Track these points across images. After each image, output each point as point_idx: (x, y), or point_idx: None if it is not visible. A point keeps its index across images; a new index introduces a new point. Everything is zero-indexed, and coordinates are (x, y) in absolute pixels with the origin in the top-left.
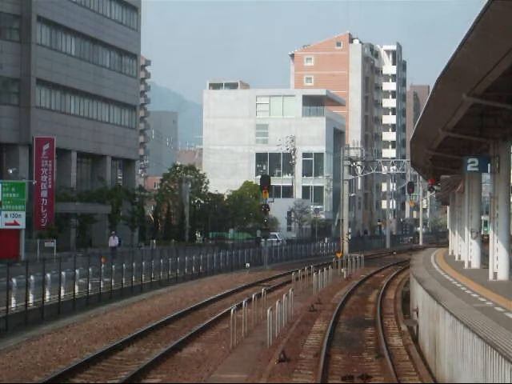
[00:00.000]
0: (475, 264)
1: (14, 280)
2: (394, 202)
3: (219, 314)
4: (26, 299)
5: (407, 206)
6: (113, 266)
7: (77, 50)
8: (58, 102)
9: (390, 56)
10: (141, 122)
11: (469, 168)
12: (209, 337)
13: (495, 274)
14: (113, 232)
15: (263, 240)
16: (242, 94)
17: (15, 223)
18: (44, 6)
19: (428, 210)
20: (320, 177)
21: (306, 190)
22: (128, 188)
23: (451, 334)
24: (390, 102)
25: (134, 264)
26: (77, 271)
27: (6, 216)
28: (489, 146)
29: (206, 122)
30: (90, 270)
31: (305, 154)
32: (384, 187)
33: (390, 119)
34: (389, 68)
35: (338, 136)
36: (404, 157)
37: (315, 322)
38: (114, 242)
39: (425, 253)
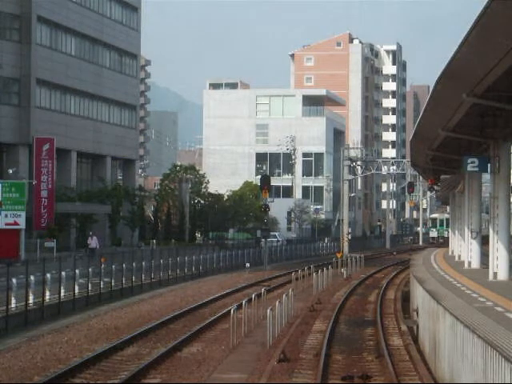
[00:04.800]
0: (475, 264)
1: (14, 280)
2: (394, 201)
3: (219, 314)
4: (26, 299)
5: (407, 205)
6: (113, 266)
7: (77, 50)
8: (58, 101)
9: (390, 56)
10: (141, 122)
11: (469, 168)
12: (209, 337)
13: (495, 274)
14: (90, 233)
15: (263, 240)
16: (242, 94)
17: (15, 223)
18: (44, 6)
19: (428, 209)
20: (320, 177)
21: (306, 190)
22: (128, 188)
23: (451, 333)
24: (390, 102)
25: (133, 264)
26: (77, 271)
27: (6, 216)
28: (489, 146)
29: (206, 122)
30: (90, 270)
31: (305, 154)
32: (384, 187)
33: (390, 119)
34: (389, 68)
35: (338, 136)
36: (404, 157)
37: (315, 322)
38: (93, 243)
39: (425, 253)
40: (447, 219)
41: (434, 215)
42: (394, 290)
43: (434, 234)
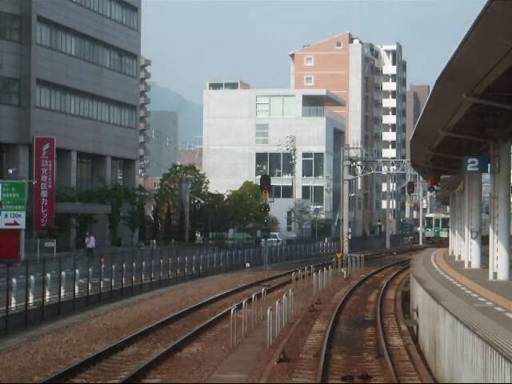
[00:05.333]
0: (475, 264)
1: (14, 280)
2: (394, 201)
3: (219, 314)
4: (26, 299)
5: (407, 205)
6: (113, 266)
7: (77, 50)
8: (58, 102)
9: (390, 56)
10: (141, 122)
11: (469, 168)
12: (209, 337)
13: (495, 274)
14: (87, 233)
15: (263, 240)
16: (242, 94)
17: (15, 223)
18: (44, 6)
19: (428, 209)
20: (320, 177)
21: (306, 190)
22: (128, 188)
23: (451, 333)
24: (390, 102)
25: (133, 264)
26: (77, 271)
27: (6, 216)
28: (489, 146)
29: (206, 122)
30: (90, 270)
31: (305, 154)
32: (384, 187)
33: (390, 119)
34: (389, 68)
35: (338, 136)
36: (404, 157)
37: (315, 322)
38: (90, 242)
39: (425, 253)
40: (443, 219)
41: (429, 215)
42: (394, 290)
43: (429, 233)
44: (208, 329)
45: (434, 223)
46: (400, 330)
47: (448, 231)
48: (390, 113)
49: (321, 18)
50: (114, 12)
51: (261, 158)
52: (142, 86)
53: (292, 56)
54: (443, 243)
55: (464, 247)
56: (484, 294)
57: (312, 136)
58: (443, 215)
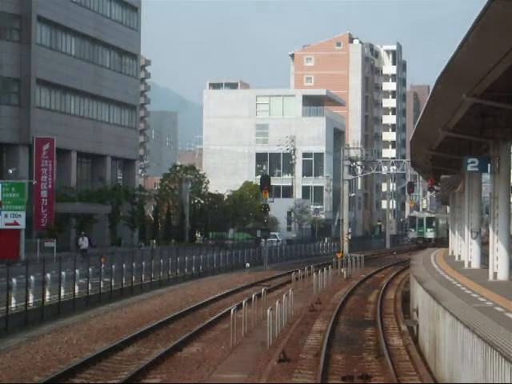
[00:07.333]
0: (475, 264)
1: (14, 280)
2: (394, 201)
3: (219, 314)
4: (26, 299)
5: (407, 205)
6: (113, 266)
7: (77, 50)
8: (58, 102)
9: (390, 56)
10: (141, 122)
11: (469, 168)
12: (209, 337)
13: (495, 274)
14: (82, 233)
15: (263, 240)
16: (242, 94)
17: (15, 223)
18: (44, 6)
19: (428, 209)
20: (320, 177)
21: (306, 190)
22: (128, 188)
23: (451, 333)
24: (390, 102)
25: (133, 264)
26: (77, 271)
27: (6, 216)
28: (489, 146)
29: (206, 122)
30: (89, 270)
31: (305, 154)
32: (384, 187)
33: (390, 119)
34: (389, 68)
35: (338, 136)
36: (404, 157)
37: (315, 322)
38: (84, 243)
39: (425, 253)
40: (428, 218)
41: (412, 214)
42: (394, 290)
43: (412, 234)
44: (208, 329)
45: (417, 223)
46: (400, 330)
47: (433, 232)
48: (390, 113)
49: (321, 18)
50: (114, 12)
51: (261, 158)
52: (142, 86)
53: (292, 56)
54: (428, 245)
55: (464, 247)
56: (484, 294)
57: (312, 136)
58: (427, 214)
